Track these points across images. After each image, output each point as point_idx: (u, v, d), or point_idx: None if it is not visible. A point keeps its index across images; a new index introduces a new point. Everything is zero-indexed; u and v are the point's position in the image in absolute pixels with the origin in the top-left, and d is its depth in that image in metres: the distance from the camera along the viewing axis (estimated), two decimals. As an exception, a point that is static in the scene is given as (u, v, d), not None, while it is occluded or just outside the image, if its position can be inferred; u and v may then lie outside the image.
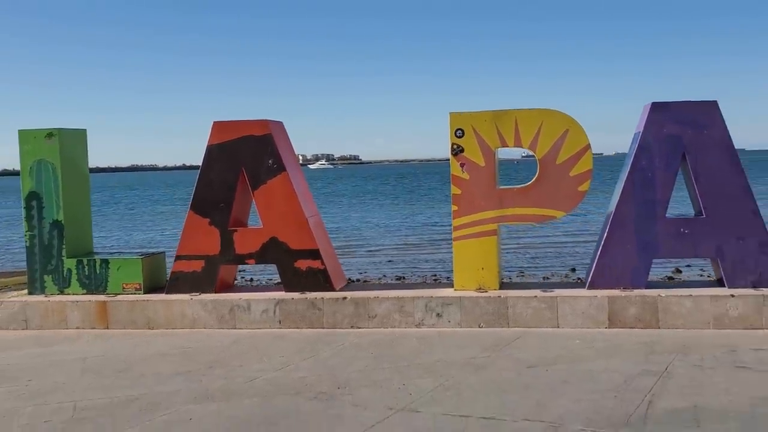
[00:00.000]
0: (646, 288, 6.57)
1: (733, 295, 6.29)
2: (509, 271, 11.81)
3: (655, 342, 5.90)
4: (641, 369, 5.17)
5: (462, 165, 6.89)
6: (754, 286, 6.45)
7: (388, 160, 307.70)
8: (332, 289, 7.10)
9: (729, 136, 6.54)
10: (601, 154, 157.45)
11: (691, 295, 6.35)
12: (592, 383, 4.90)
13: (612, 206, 6.78)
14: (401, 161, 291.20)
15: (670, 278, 9.32)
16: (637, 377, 4.98)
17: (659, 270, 10.03)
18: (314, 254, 7.12)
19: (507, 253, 15.57)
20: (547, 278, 10.17)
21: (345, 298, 6.86)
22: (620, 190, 6.69)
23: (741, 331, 6.17)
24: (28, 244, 7.47)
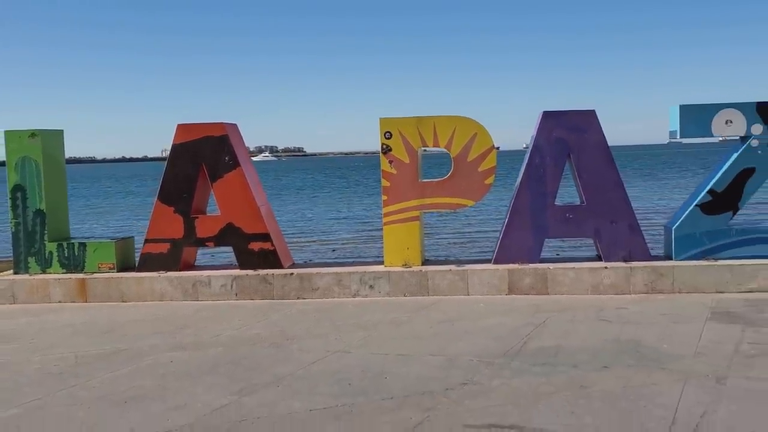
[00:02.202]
0: (539, 262, 8.03)
1: (606, 267, 7.80)
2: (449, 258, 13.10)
3: (542, 304, 7.36)
4: (526, 322, 6.61)
5: (390, 162, 8.22)
6: (624, 260, 7.96)
7: (333, 152, 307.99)
8: (281, 267, 8.37)
9: (605, 139, 8.03)
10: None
11: (573, 268, 7.84)
12: (486, 333, 6.31)
13: (512, 196, 8.22)
14: (346, 153, 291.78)
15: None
16: (520, 327, 6.42)
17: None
18: (265, 237, 8.37)
19: (455, 247, 16.96)
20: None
21: (292, 273, 8.14)
22: (518, 183, 8.13)
23: (612, 296, 7.68)
24: (13, 230, 8.51)
